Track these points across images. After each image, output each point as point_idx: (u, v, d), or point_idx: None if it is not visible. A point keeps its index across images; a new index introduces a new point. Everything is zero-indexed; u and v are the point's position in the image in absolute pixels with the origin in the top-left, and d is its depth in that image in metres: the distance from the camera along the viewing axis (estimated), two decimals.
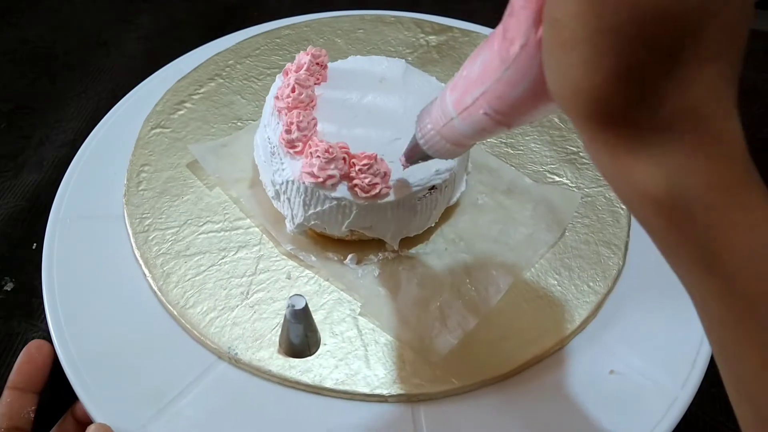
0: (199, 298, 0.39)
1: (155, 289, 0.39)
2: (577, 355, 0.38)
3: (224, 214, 0.43)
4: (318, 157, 0.36)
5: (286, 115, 0.38)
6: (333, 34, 0.58)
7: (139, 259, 0.41)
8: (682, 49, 0.17)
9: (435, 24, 0.59)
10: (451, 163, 0.38)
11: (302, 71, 0.40)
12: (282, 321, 0.35)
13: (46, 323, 0.38)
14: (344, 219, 0.38)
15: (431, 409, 0.35)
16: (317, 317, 0.37)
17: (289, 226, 0.40)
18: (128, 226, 0.42)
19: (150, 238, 0.41)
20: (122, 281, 0.40)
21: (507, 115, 0.25)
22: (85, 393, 0.35)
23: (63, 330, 0.37)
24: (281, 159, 0.38)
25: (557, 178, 0.46)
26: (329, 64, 0.43)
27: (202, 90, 0.52)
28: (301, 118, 0.37)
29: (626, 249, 0.43)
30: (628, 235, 0.43)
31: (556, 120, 0.50)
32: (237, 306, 0.38)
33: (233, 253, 0.41)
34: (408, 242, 0.41)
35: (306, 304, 0.34)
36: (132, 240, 0.41)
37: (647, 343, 0.39)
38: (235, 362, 0.36)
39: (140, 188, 0.44)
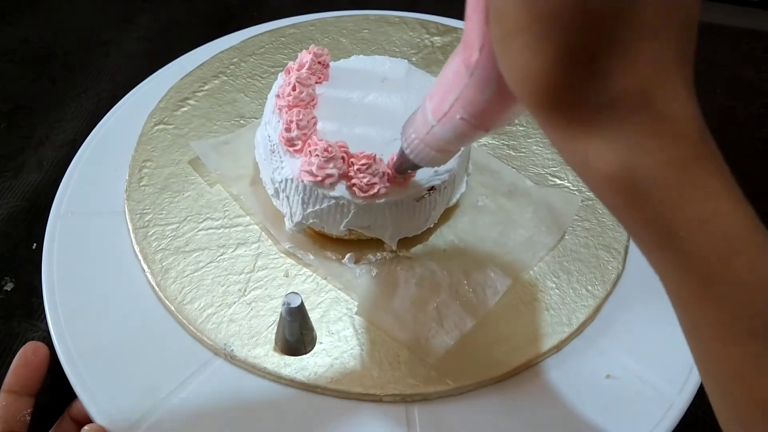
0: (196, 294, 0.41)
1: (153, 284, 0.41)
2: (574, 359, 0.39)
3: (224, 211, 0.45)
4: (317, 155, 0.37)
5: (286, 113, 0.40)
6: (338, 33, 0.60)
7: (138, 254, 0.42)
8: (618, 29, 0.18)
9: (440, 25, 0.61)
10: (451, 164, 0.40)
11: (304, 70, 0.42)
12: (278, 319, 0.37)
13: (46, 323, 0.39)
14: (342, 218, 0.40)
15: (425, 410, 0.37)
16: (314, 316, 0.39)
17: (288, 224, 0.42)
18: (128, 222, 0.44)
19: (150, 233, 0.43)
20: (122, 279, 0.42)
21: (481, 118, 0.26)
22: (84, 392, 0.36)
23: (63, 329, 0.39)
24: (281, 157, 0.40)
25: (558, 181, 0.48)
26: (332, 63, 0.44)
27: (205, 87, 0.54)
28: (301, 117, 0.39)
29: (626, 253, 0.44)
30: (629, 240, 0.45)
31: None
32: (234, 303, 0.40)
33: (232, 250, 0.43)
34: (407, 242, 0.43)
35: (302, 302, 0.36)
36: (132, 235, 0.43)
37: (645, 347, 0.40)
38: (231, 359, 0.38)
39: (141, 184, 0.46)
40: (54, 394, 0.38)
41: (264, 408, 0.37)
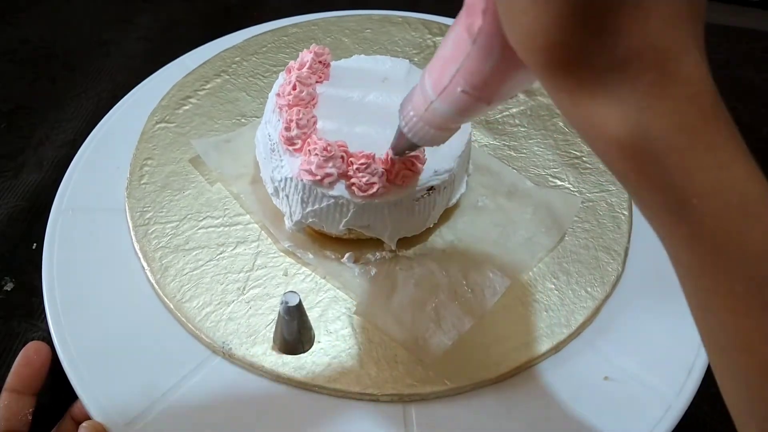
0: (195, 292, 0.41)
1: (153, 282, 0.42)
2: (572, 360, 0.40)
3: (224, 209, 0.46)
4: (316, 154, 0.38)
5: (286, 112, 0.41)
6: (340, 33, 0.61)
7: (138, 252, 0.43)
8: None
9: (443, 25, 0.62)
10: (450, 164, 0.41)
11: (305, 69, 0.43)
12: (276, 317, 0.38)
13: (46, 323, 0.40)
14: (341, 217, 0.40)
15: (423, 410, 0.38)
16: (312, 315, 0.40)
17: (287, 223, 0.43)
18: (129, 220, 0.45)
19: (150, 231, 0.44)
20: (122, 278, 0.43)
21: (484, 89, 0.26)
22: (84, 391, 0.37)
23: (63, 329, 0.40)
24: (280, 156, 0.41)
25: (559, 182, 0.49)
26: (333, 63, 0.45)
27: (207, 86, 0.55)
28: (300, 116, 0.40)
29: (626, 255, 0.45)
30: (629, 242, 0.46)
31: (561, 124, 0.53)
32: (233, 301, 0.41)
33: (231, 248, 0.44)
34: (406, 242, 0.44)
35: (300, 301, 0.36)
36: (132, 233, 0.44)
37: (644, 349, 0.41)
38: (229, 357, 0.39)
39: (142, 182, 0.47)
40: (55, 393, 0.39)
41: (262, 406, 0.37)
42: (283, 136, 0.40)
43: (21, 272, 0.49)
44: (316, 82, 0.44)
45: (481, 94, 0.26)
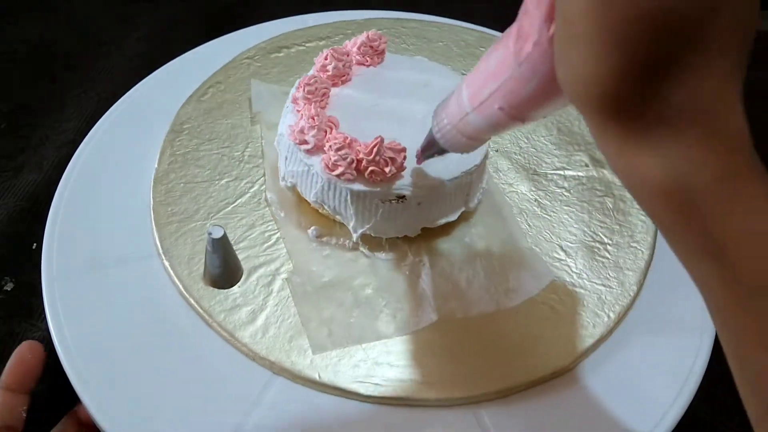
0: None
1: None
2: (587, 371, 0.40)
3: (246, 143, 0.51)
4: (305, 118, 0.40)
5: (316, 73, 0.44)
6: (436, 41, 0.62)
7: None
8: (689, 45, 0.18)
9: None
10: (441, 180, 0.41)
11: (354, 47, 0.46)
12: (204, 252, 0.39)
13: (46, 323, 0.40)
14: (312, 188, 0.42)
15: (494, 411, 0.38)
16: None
17: (280, 177, 0.46)
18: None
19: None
20: (122, 278, 0.42)
21: (520, 109, 0.27)
22: (85, 392, 0.37)
23: (63, 329, 0.39)
24: (288, 111, 0.44)
25: (562, 258, 0.46)
26: (392, 55, 0.47)
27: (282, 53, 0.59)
28: (312, 83, 0.42)
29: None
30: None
31: (609, 204, 0.49)
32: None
33: (230, 179, 0.48)
34: (373, 242, 0.44)
35: (224, 234, 0.37)
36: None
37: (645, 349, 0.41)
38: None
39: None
40: (54, 393, 0.39)
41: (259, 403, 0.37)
42: (296, 92, 0.43)
43: (21, 272, 0.49)
44: (365, 64, 0.46)
45: (516, 113, 0.27)
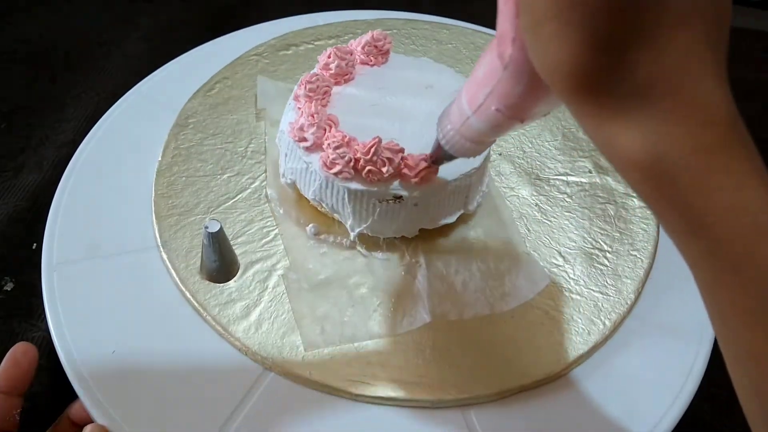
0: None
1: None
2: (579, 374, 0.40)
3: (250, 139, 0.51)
4: (305, 116, 0.40)
5: (318, 70, 0.44)
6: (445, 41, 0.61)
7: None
8: (648, 17, 0.19)
9: None
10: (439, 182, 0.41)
11: (359, 47, 0.45)
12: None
13: (46, 323, 0.40)
14: (310, 185, 0.43)
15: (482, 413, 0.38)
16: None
17: (280, 175, 0.46)
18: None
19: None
20: (122, 278, 0.42)
21: (516, 109, 0.27)
22: (85, 392, 0.37)
23: (63, 330, 0.39)
24: (291, 108, 0.44)
25: (560, 264, 0.46)
26: (397, 55, 0.47)
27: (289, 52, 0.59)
28: (314, 80, 0.42)
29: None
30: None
31: (611, 211, 0.49)
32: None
33: (232, 174, 0.48)
34: (370, 241, 0.44)
35: (221, 228, 0.38)
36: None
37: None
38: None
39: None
40: (53, 394, 0.39)
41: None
42: (298, 90, 0.43)
43: (21, 272, 0.48)
44: (368, 64, 0.46)
45: (513, 114, 0.28)
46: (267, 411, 0.37)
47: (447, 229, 0.45)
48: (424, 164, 0.39)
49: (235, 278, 0.42)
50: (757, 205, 0.19)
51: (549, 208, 0.49)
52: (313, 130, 0.40)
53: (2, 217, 0.52)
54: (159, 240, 0.43)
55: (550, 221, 0.48)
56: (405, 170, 0.40)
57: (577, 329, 0.41)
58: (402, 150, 0.39)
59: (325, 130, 0.41)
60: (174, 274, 0.42)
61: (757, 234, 0.19)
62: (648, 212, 0.48)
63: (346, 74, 0.45)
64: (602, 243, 0.46)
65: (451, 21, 0.64)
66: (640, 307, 0.43)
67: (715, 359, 0.40)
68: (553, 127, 0.54)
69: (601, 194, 0.49)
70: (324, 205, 0.43)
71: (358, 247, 0.44)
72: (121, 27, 0.71)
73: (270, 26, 0.62)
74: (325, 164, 0.40)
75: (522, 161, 0.52)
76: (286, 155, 0.44)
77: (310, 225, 0.44)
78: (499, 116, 0.28)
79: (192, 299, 0.41)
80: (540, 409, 0.38)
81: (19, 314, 0.46)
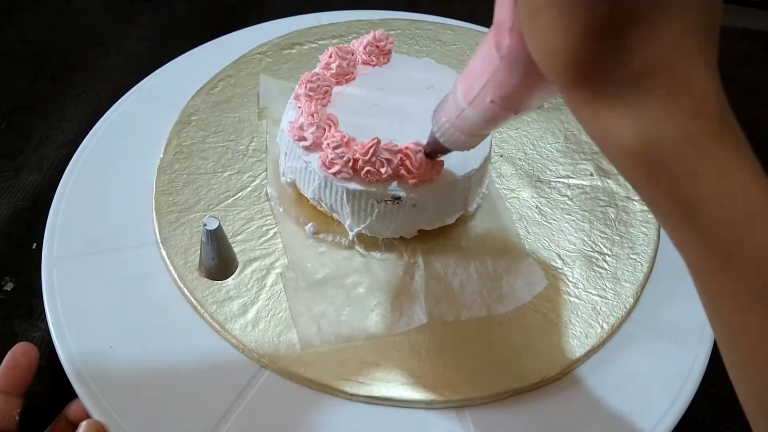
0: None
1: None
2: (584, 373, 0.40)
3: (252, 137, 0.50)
4: (305, 116, 0.40)
5: (319, 69, 0.44)
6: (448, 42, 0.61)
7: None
8: (643, 4, 0.19)
9: None
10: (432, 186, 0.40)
11: (360, 47, 0.45)
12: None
13: (46, 323, 0.40)
14: (310, 185, 0.43)
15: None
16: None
17: (280, 174, 0.46)
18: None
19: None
20: (122, 278, 0.42)
21: (511, 100, 0.27)
22: (85, 392, 0.37)
23: (63, 330, 0.39)
24: (292, 107, 0.44)
25: (560, 266, 0.45)
26: (399, 56, 0.47)
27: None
28: (315, 79, 0.42)
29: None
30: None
31: (611, 215, 0.48)
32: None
33: (233, 173, 0.48)
34: (369, 241, 0.44)
35: (219, 226, 0.38)
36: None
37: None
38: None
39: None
40: (53, 395, 0.39)
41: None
42: (299, 89, 0.43)
43: (21, 272, 0.49)
44: (370, 64, 0.46)
45: (509, 105, 0.28)
46: (262, 408, 0.37)
47: (446, 230, 0.45)
48: (422, 164, 0.39)
49: (233, 276, 0.42)
50: (748, 191, 0.20)
51: (549, 211, 0.48)
52: (312, 129, 0.40)
53: (2, 217, 0.52)
54: (159, 237, 0.44)
55: (550, 224, 0.47)
56: (403, 171, 0.40)
57: (574, 332, 0.41)
58: (401, 151, 0.39)
59: (324, 129, 0.41)
60: (173, 271, 0.42)
61: (748, 220, 0.20)
62: (649, 216, 0.47)
63: (348, 74, 0.45)
64: (602, 246, 0.46)
65: (456, 22, 0.64)
66: (640, 311, 0.43)
67: (715, 360, 0.40)
68: (556, 130, 0.54)
69: (602, 197, 0.49)
70: (323, 204, 0.43)
71: (357, 247, 0.44)
72: (121, 27, 0.72)
73: (273, 25, 0.62)
74: (324, 164, 0.40)
75: (523, 163, 0.51)
76: (285, 154, 0.44)
77: (310, 224, 0.45)
78: (494, 108, 0.28)
79: (190, 296, 0.41)
80: (537, 410, 0.38)
81: (19, 314, 0.46)
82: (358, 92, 0.45)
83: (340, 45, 0.45)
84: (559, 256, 0.45)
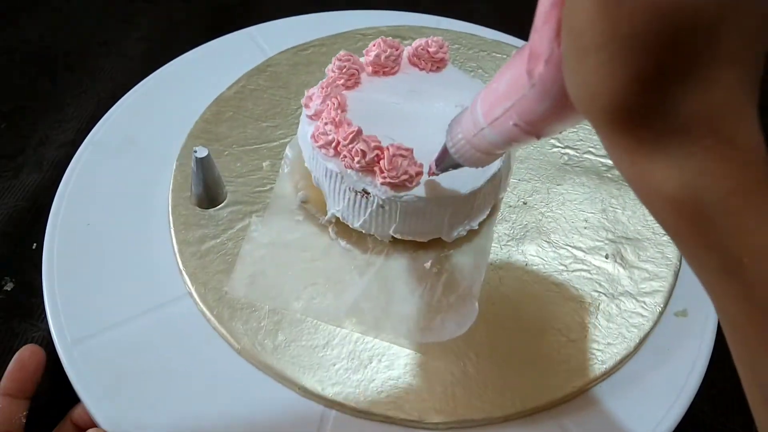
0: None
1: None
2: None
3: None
4: (328, 112, 0.40)
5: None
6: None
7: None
8: (698, 54, 0.18)
9: None
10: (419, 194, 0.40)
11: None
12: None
13: (46, 323, 0.40)
14: (306, 152, 0.44)
15: None
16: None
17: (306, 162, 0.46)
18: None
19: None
20: (122, 278, 0.42)
21: (536, 126, 0.27)
22: (86, 394, 0.37)
23: (63, 330, 0.39)
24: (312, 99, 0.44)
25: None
26: (453, 67, 0.47)
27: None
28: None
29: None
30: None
31: None
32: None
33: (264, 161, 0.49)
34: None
35: (209, 155, 0.40)
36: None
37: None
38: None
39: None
40: (54, 395, 0.39)
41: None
42: (332, 64, 0.44)
43: (21, 272, 0.48)
44: (419, 67, 0.46)
45: (532, 129, 0.27)
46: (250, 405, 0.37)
47: (420, 246, 0.43)
48: (397, 168, 0.38)
49: (219, 206, 0.44)
50: None
51: (538, 275, 0.43)
52: (318, 101, 0.41)
53: (2, 217, 0.52)
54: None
55: (531, 287, 0.43)
56: (376, 168, 0.39)
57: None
58: (378, 147, 0.39)
59: (328, 105, 0.41)
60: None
61: None
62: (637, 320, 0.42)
63: (386, 67, 0.45)
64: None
65: (456, 22, 0.63)
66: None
67: (715, 361, 0.40)
68: (597, 200, 0.48)
69: (602, 283, 0.44)
70: (313, 176, 0.44)
71: (330, 229, 0.44)
72: (121, 27, 0.71)
73: (274, 25, 0.62)
74: (314, 136, 0.41)
75: (542, 218, 0.47)
76: (310, 158, 0.44)
77: (301, 192, 0.46)
78: (516, 131, 0.28)
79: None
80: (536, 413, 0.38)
81: (19, 314, 0.46)
82: (385, 87, 0.44)
83: (390, 39, 0.45)
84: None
